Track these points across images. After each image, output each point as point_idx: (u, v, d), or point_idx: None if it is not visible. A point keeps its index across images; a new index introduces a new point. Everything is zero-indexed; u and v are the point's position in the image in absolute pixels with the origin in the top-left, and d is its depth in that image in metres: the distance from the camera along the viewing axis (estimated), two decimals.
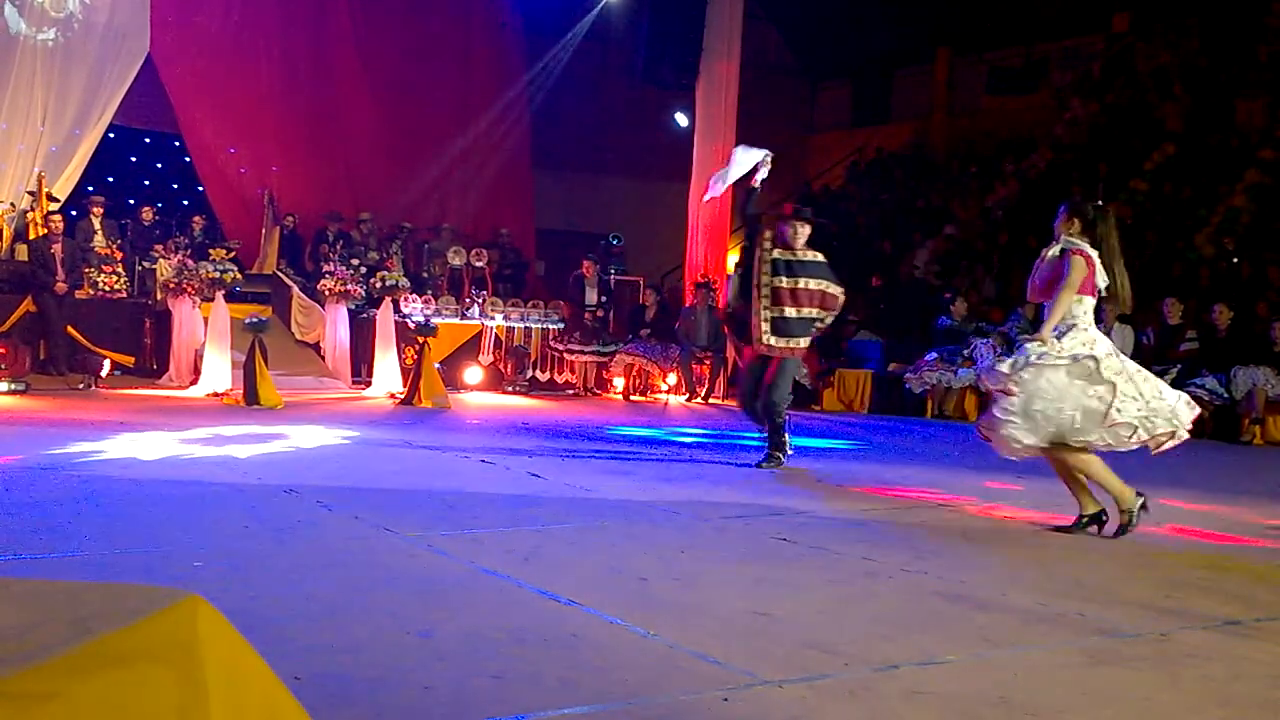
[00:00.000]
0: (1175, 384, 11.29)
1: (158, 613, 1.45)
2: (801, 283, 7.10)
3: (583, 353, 13.78)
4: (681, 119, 17.57)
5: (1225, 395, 10.93)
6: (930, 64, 20.61)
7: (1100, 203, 5.47)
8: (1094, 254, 5.18)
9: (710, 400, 13.54)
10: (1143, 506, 5.23)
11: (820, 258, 7.22)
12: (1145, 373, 5.29)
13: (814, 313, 7.18)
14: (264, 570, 3.90)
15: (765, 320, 7.10)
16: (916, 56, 20.62)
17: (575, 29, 17.55)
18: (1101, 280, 5.21)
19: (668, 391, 13.64)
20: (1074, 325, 5.14)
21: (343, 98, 16.29)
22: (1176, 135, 16.10)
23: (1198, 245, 13.98)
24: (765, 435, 7.39)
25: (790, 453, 7.36)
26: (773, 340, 7.14)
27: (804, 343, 7.27)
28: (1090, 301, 5.18)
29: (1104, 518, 5.32)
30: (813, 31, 21.11)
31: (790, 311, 7.11)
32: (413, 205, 16.37)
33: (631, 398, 13.54)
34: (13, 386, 10.33)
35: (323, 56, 16.23)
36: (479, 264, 15.07)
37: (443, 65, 17.04)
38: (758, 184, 7.33)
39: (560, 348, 13.84)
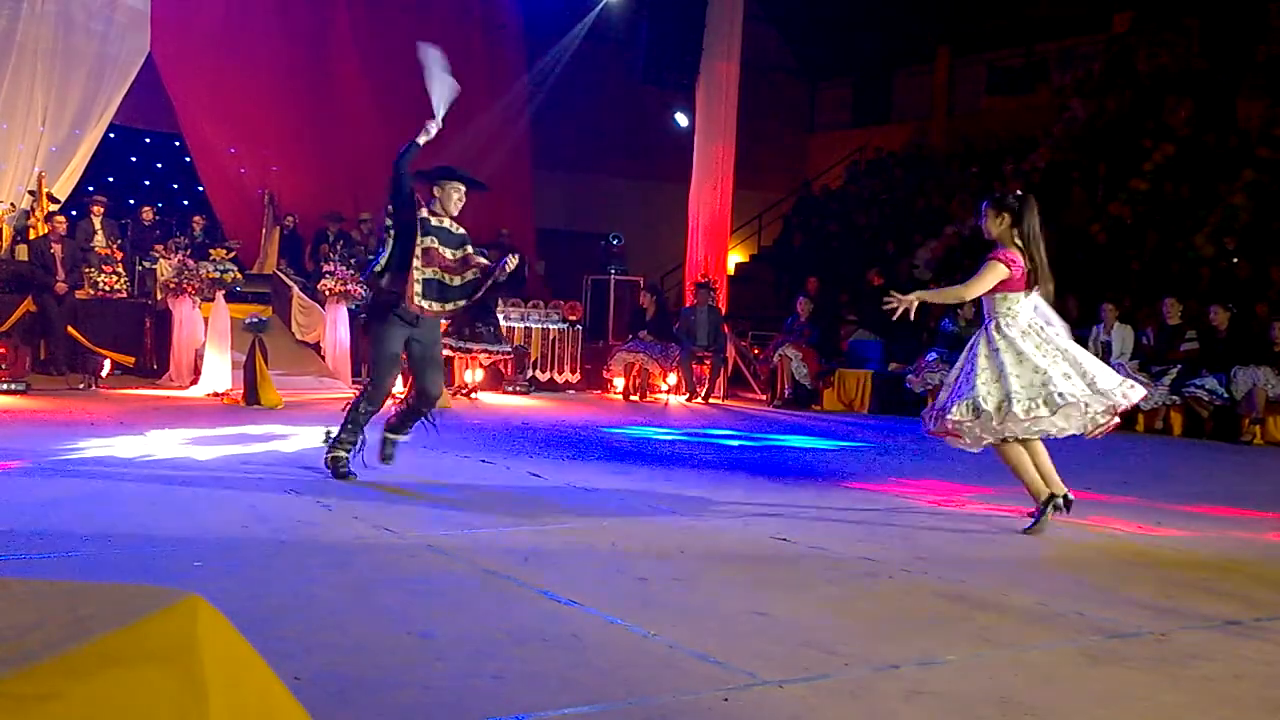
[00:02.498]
0: (1175, 384, 11.37)
1: (157, 613, 1.45)
2: (453, 252, 6.40)
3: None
4: (681, 119, 17.57)
5: (1225, 395, 10.92)
6: (930, 64, 20.61)
7: (1019, 192, 5.64)
8: (1018, 252, 5.41)
9: (710, 400, 13.54)
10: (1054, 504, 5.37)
11: (462, 230, 6.54)
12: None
13: (470, 275, 6.37)
14: (264, 570, 3.90)
15: (418, 280, 6.24)
16: (916, 56, 20.63)
17: (575, 29, 17.55)
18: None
19: (668, 391, 13.63)
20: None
21: (343, 97, 16.29)
22: (1176, 135, 16.10)
23: (1197, 245, 13.97)
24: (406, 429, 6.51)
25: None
26: (426, 303, 6.24)
27: (460, 306, 6.50)
28: (1015, 297, 5.41)
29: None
30: (813, 31, 21.11)
31: (449, 278, 6.33)
32: None
33: (631, 398, 13.54)
34: (13, 386, 10.33)
35: (323, 56, 16.22)
36: None
37: None
38: (421, 141, 6.65)
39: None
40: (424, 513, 5.15)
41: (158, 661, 1.38)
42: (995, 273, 5.34)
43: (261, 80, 15.60)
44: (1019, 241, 5.40)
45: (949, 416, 5.37)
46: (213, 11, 15.26)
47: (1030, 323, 5.41)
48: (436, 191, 6.50)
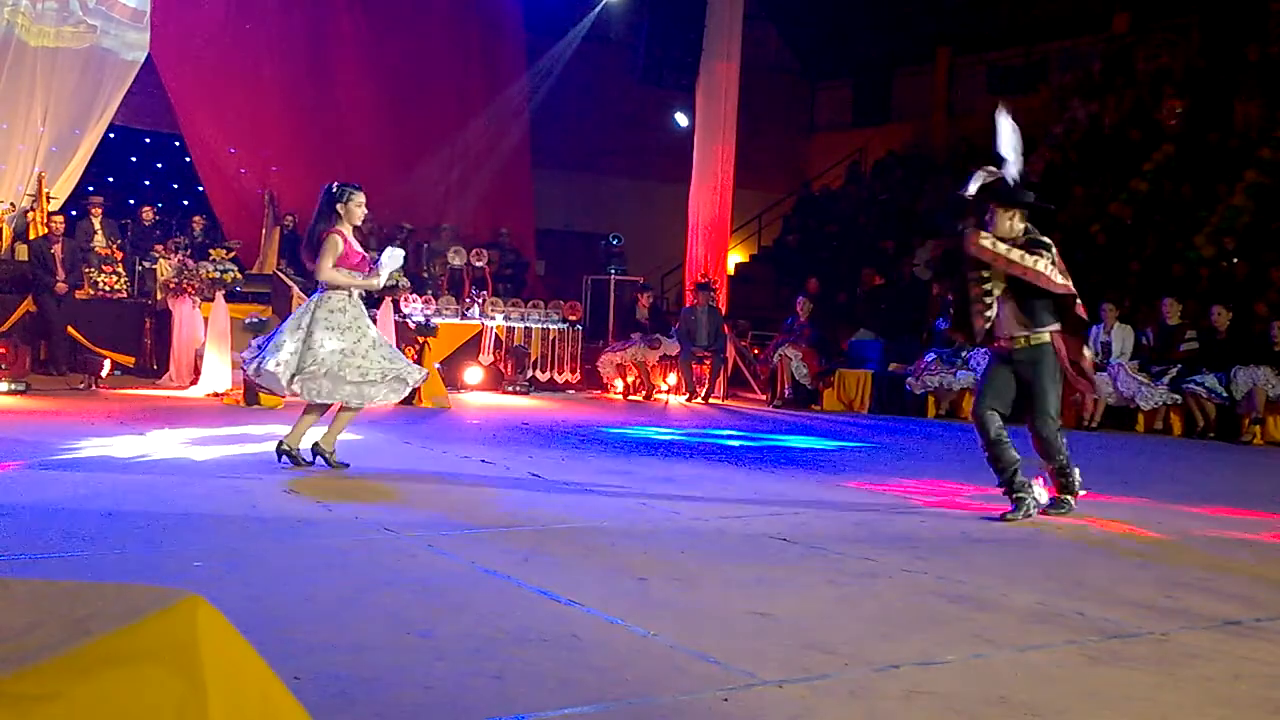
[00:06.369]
0: (1175, 383, 11.36)
1: (158, 613, 1.45)
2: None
3: None
4: (681, 119, 17.56)
5: (1224, 394, 10.92)
6: (930, 64, 20.60)
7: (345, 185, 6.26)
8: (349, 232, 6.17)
9: (710, 400, 13.54)
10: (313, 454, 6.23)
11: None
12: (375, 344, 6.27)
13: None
14: (264, 570, 3.90)
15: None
16: (916, 56, 20.61)
17: (575, 29, 17.55)
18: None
19: (668, 391, 13.63)
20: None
21: (343, 98, 16.29)
22: (1176, 135, 16.10)
23: (1197, 245, 13.97)
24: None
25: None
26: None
27: None
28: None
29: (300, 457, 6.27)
30: (813, 31, 21.11)
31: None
32: (413, 205, 16.36)
33: (631, 398, 13.54)
34: (13, 386, 10.32)
35: (323, 56, 16.22)
36: (479, 264, 15.05)
37: (443, 65, 17.03)
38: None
39: None
40: (424, 513, 5.15)
41: (158, 661, 1.38)
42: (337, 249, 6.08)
43: (261, 80, 15.60)
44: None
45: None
46: (213, 11, 15.26)
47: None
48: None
